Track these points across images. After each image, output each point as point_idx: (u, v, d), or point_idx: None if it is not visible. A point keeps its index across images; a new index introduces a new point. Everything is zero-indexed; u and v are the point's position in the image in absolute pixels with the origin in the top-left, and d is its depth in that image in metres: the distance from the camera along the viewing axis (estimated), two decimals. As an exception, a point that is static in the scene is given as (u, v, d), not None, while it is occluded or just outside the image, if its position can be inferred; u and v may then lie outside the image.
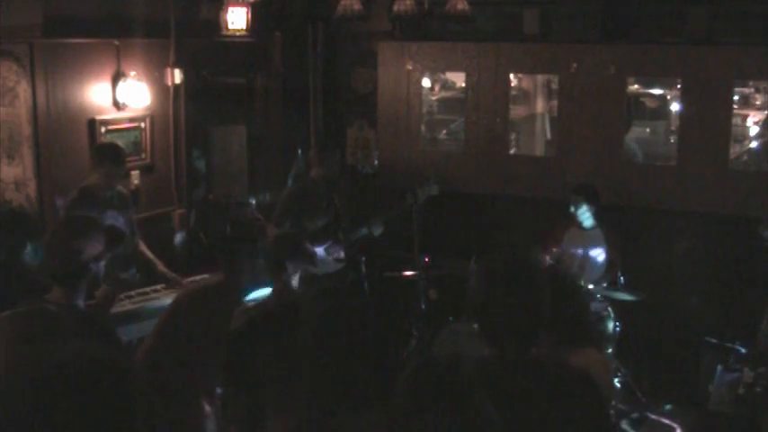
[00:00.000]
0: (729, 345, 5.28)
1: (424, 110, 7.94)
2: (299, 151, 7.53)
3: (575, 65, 6.98)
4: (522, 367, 2.47)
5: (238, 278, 3.87)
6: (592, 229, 6.26)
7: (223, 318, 3.62)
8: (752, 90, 7.85)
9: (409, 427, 2.14)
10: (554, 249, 6.17)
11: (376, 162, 7.88)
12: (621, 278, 6.05)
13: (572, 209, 6.24)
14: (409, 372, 2.25)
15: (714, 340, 5.62)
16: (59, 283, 3.19)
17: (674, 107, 7.58)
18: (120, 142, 5.93)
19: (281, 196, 6.44)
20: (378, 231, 6.27)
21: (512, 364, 2.47)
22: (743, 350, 5.12)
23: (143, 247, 5.63)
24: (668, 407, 5.91)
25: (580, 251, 6.23)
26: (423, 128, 7.86)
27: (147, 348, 3.83)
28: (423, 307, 6.16)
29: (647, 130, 8.50)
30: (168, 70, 6.38)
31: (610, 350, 5.80)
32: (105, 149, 5.43)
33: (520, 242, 6.78)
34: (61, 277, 3.18)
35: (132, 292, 5.25)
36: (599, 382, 2.57)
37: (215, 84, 6.86)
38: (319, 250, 6.27)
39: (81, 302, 3.24)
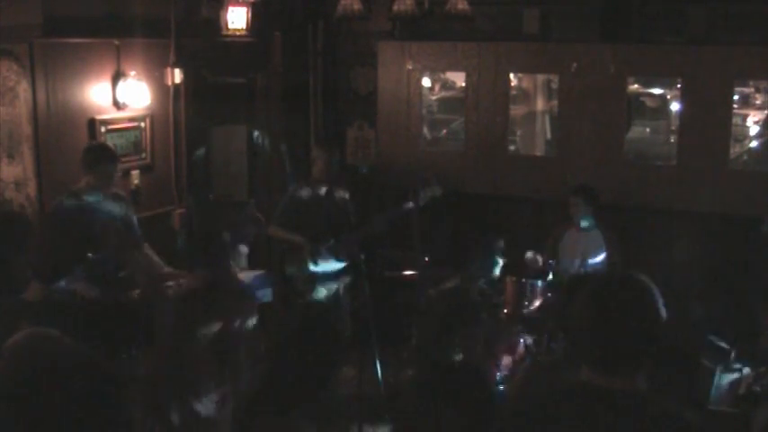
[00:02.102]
0: (729, 345, 5.28)
1: (424, 110, 7.93)
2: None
3: (575, 65, 6.98)
4: (622, 398, 2.23)
5: (218, 273, 3.87)
6: (590, 229, 6.26)
7: (215, 314, 3.65)
8: (752, 90, 7.85)
9: (420, 426, 2.16)
10: (550, 261, 6.18)
11: (374, 162, 7.87)
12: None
13: (571, 209, 6.24)
14: (420, 373, 2.27)
15: (714, 340, 5.62)
16: (41, 280, 3.20)
17: (674, 107, 7.59)
18: (119, 142, 5.94)
19: (284, 195, 6.47)
20: (379, 228, 6.28)
21: (611, 394, 2.23)
22: (742, 350, 5.12)
23: (147, 249, 5.57)
24: None
25: (579, 252, 6.23)
26: (423, 128, 7.86)
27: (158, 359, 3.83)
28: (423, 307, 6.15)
29: (647, 129, 8.50)
30: (168, 70, 6.38)
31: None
32: (98, 150, 5.33)
33: (520, 242, 6.78)
34: (43, 275, 3.20)
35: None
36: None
37: (215, 84, 6.86)
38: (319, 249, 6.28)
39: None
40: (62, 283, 3.23)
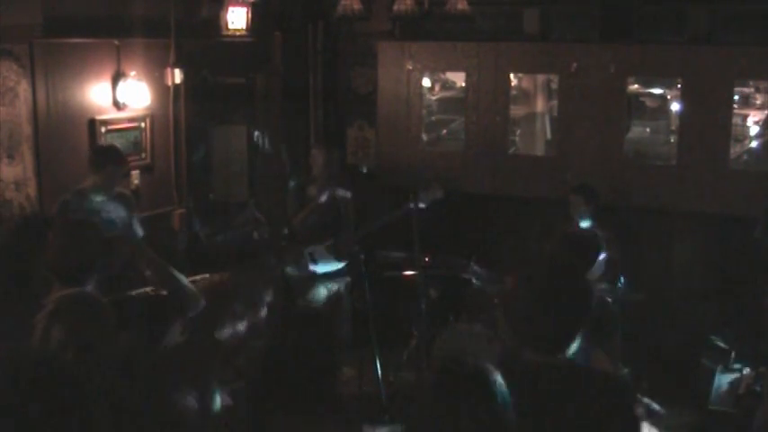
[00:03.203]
0: (729, 345, 5.29)
1: (424, 110, 7.93)
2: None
3: (575, 65, 6.97)
4: (556, 370, 2.47)
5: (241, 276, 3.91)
6: (591, 228, 6.25)
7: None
8: (752, 90, 7.83)
9: (435, 428, 2.15)
10: None
11: (374, 162, 7.87)
12: (621, 278, 6.05)
13: (571, 209, 6.24)
14: (436, 374, 2.27)
15: (715, 340, 5.62)
16: (63, 282, 3.20)
17: (674, 107, 7.57)
18: (119, 142, 5.94)
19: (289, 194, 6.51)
20: (378, 228, 6.30)
21: (547, 367, 2.47)
22: (742, 350, 5.13)
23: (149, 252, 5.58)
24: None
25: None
26: (423, 128, 7.86)
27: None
28: (423, 307, 6.15)
29: (647, 129, 8.48)
30: (168, 70, 6.38)
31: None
32: (106, 152, 5.42)
33: (519, 242, 6.79)
34: (66, 277, 3.20)
35: (134, 292, 5.23)
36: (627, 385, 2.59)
37: (215, 84, 6.86)
38: (319, 249, 6.29)
39: None
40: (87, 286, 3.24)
